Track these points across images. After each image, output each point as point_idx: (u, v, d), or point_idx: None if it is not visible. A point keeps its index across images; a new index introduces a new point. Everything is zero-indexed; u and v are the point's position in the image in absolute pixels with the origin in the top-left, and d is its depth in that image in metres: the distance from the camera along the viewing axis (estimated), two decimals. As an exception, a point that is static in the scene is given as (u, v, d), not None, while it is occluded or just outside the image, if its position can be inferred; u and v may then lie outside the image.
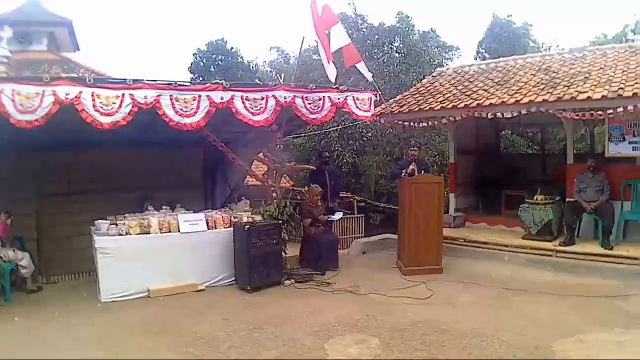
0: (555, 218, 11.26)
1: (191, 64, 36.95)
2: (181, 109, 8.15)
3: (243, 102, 8.70)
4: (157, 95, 7.96)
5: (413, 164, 10.63)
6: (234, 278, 9.38)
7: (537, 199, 11.39)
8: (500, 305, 8.22)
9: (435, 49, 28.68)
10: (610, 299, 8.42)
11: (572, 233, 10.93)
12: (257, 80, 10.58)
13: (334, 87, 10.08)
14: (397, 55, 26.62)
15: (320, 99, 9.65)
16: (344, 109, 10.22)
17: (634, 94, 9.71)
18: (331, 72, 11.12)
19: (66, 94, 7.33)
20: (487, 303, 8.36)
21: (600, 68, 11.87)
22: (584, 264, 10.16)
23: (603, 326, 7.14)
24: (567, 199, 11.54)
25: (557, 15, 66.57)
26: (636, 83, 10.16)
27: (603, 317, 7.50)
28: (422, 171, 10.70)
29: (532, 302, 8.33)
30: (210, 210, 10.22)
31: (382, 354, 6.18)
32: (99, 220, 9.03)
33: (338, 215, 10.94)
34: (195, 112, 8.28)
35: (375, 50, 26.47)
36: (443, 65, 22.37)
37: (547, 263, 10.56)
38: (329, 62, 11.13)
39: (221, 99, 8.50)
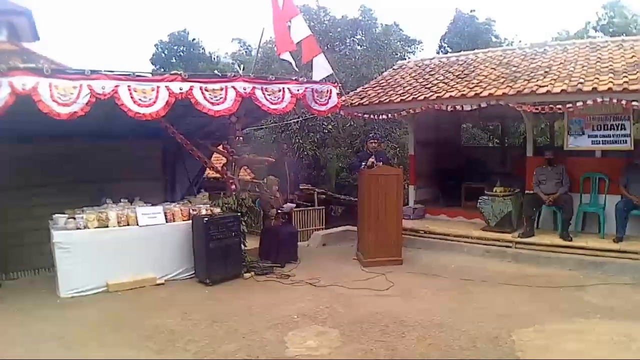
0: (514, 210, 11.43)
1: (153, 55, 36.79)
2: (140, 100, 8.05)
3: (202, 93, 8.63)
4: (115, 86, 7.85)
5: (373, 156, 10.64)
6: (193, 271, 9.33)
7: (496, 191, 11.55)
8: (460, 296, 8.31)
9: (398, 43, 28.68)
10: (569, 290, 8.58)
11: (532, 225, 11.10)
12: (216, 72, 10.44)
13: (294, 78, 10.05)
14: (359, 48, 26.73)
15: (280, 90, 9.62)
16: (302, 101, 10.21)
17: (593, 88, 9.89)
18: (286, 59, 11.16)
19: (23, 85, 7.18)
20: (447, 294, 8.44)
21: (561, 63, 12.08)
22: (544, 255, 10.35)
23: (562, 316, 7.28)
24: (526, 191, 11.70)
25: (521, 12, 67.11)
26: (596, 78, 10.34)
27: (562, 307, 7.64)
28: (382, 163, 10.73)
29: (492, 293, 8.46)
30: (169, 203, 10.12)
31: (342, 346, 6.20)
32: (57, 215, 8.85)
33: (288, 207, 10.87)
34: (154, 103, 8.19)
35: (337, 43, 26.48)
36: (405, 59, 22.37)
37: (506, 254, 10.73)
38: (279, 54, 11.16)
39: (180, 90, 8.41)
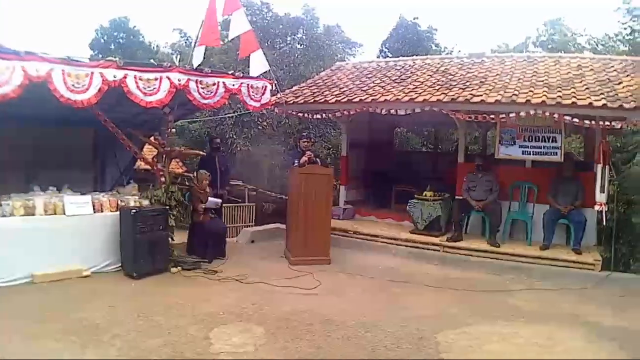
0: (443, 214, 11.64)
1: (92, 40, 36.07)
2: (73, 85, 7.80)
3: (136, 82, 8.42)
4: (49, 69, 7.60)
5: (305, 155, 10.61)
6: (120, 264, 9.11)
7: (426, 195, 11.73)
8: (386, 297, 8.39)
9: (339, 44, 28.80)
10: (495, 293, 8.78)
11: (460, 229, 11.33)
12: (152, 61, 10.29)
13: (230, 72, 9.95)
14: (299, 46, 26.69)
15: (214, 84, 9.49)
16: (237, 96, 10.09)
17: (527, 101, 10.18)
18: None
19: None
20: (373, 294, 8.52)
21: (497, 74, 12.38)
22: (471, 259, 10.61)
23: (487, 319, 7.43)
24: (456, 197, 11.88)
25: (463, 23, 68.58)
26: (530, 91, 10.66)
27: (487, 310, 7.80)
28: (314, 162, 10.69)
29: (418, 295, 8.56)
30: (98, 193, 9.88)
31: (267, 343, 6.18)
32: (-19, 201, 8.56)
33: (212, 203, 10.71)
34: (87, 89, 7.95)
35: (278, 40, 26.39)
36: (345, 61, 22.44)
37: (434, 257, 10.92)
38: (198, 45, 11.06)
39: (114, 77, 8.19)
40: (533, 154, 11.19)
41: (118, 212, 9.18)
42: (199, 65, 10.51)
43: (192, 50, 11.20)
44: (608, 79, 11.29)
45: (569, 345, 6.59)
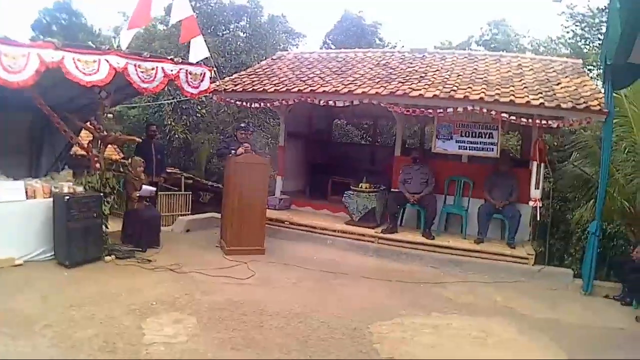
0: (379, 206, 11.72)
1: (35, 21, 35.42)
2: (9, 66, 7.49)
3: (75, 63, 8.19)
4: (-16, 50, 7.36)
5: (242, 146, 10.50)
6: (53, 252, 8.84)
7: (362, 187, 11.80)
8: (321, 288, 8.44)
9: (282, 34, 28.68)
10: (429, 286, 8.90)
11: (395, 222, 11.41)
12: (90, 43, 10.08)
13: (169, 57, 9.81)
14: (242, 34, 26.48)
15: (153, 69, 9.29)
16: (175, 82, 9.94)
17: (465, 96, 10.30)
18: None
19: None
20: (308, 285, 8.54)
21: (437, 70, 12.51)
22: (406, 251, 10.68)
23: (421, 310, 7.54)
24: (392, 189, 11.92)
25: (408, 20, 68.98)
26: (469, 87, 10.80)
27: (421, 302, 7.91)
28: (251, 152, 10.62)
29: (353, 286, 8.62)
30: (32, 178, 9.61)
31: (200, 334, 6.14)
32: None
33: (146, 191, 10.53)
34: (23, 70, 7.70)
35: (221, 27, 26.21)
36: (287, 51, 22.38)
37: (369, 249, 10.98)
38: (127, 28, 10.92)
39: (52, 59, 7.93)
40: (469, 149, 11.36)
41: (51, 199, 8.94)
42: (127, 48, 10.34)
43: (119, 34, 11.09)
44: (547, 79, 11.50)
45: (502, 337, 6.74)
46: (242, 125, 11.73)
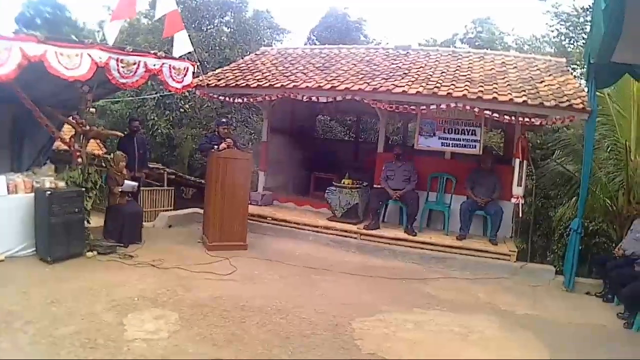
0: (361, 202, 11.79)
1: (19, 14, 35.18)
2: (-10, 59, 7.51)
3: (57, 58, 8.10)
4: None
5: (225, 141, 10.46)
6: (35, 248, 8.76)
7: (344, 183, 11.83)
8: (303, 284, 8.43)
9: (267, 30, 28.57)
10: (411, 282, 8.93)
11: (377, 218, 11.46)
12: (73, 37, 10.04)
13: (152, 52, 9.75)
14: (226, 29, 26.36)
15: (135, 63, 9.18)
16: (158, 77, 9.87)
17: (448, 93, 10.32)
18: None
19: None
20: (290, 281, 8.53)
21: (421, 67, 12.53)
22: (388, 247, 10.71)
23: (403, 306, 7.56)
24: (374, 185, 11.93)
25: (392, 17, 68.80)
26: (452, 84, 10.80)
27: (403, 298, 7.93)
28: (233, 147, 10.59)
29: (335, 282, 8.63)
30: (13, 173, 9.49)
31: (181, 330, 6.11)
32: None
33: (128, 186, 10.46)
34: (5, 64, 7.63)
35: (205, 22, 26.05)
36: (271, 46, 22.33)
37: (351, 245, 11.00)
38: (111, 20, 10.87)
39: (34, 53, 7.88)
40: (452, 146, 11.45)
41: (33, 194, 8.86)
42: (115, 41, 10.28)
43: (103, 27, 11.00)
44: (531, 77, 11.55)
45: (484, 333, 6.77)
46: (224, 120, 11.66)
